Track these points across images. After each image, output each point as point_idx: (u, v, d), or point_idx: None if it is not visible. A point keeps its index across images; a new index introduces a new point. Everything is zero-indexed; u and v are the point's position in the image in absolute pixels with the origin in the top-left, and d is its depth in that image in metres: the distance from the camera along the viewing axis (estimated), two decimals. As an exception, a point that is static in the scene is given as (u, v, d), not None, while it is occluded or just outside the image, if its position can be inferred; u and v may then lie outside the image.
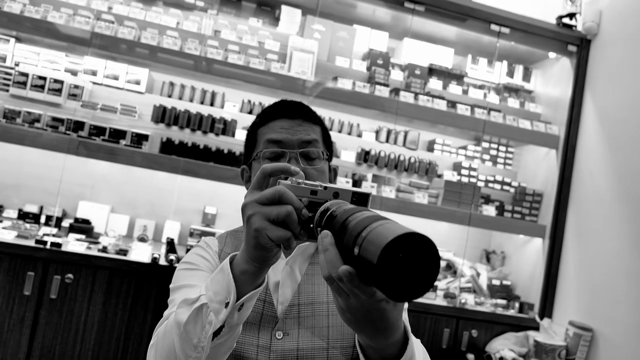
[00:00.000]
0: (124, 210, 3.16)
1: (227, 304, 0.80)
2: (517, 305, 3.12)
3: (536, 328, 3.02)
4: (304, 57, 3.09)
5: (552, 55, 3.42)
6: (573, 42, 3.23)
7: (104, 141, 2.83)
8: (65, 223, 2.93)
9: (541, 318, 3.07)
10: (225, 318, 0.81)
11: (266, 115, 1.22)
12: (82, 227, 2.89)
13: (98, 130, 2.89)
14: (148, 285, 2.64)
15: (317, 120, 1.24)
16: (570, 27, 3.24)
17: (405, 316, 1.15)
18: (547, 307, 3.11)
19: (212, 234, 3.08)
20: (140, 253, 2.77)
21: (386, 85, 3.12)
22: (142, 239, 3.03)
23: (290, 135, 1.16)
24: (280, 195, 0.72)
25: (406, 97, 3.09)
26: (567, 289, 3.05)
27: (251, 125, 1.26)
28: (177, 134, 3.03)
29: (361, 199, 0.71)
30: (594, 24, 3.16)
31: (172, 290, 1.14)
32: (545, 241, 3.20)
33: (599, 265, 2.84)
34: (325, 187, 0.72)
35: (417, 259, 0.50)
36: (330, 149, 1.26)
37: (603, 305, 2.77)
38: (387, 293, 0.51)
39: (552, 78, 3.45)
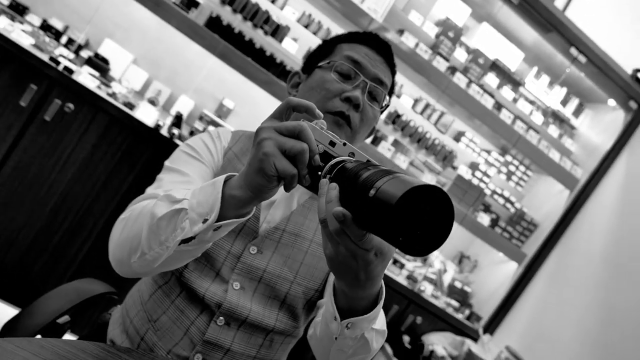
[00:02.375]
0: (145, 66, 3.05)
1: (205, 220, 0.77)
2: (467, 312, 3.20)
3: (475, 339, 3.12)
4: (381, -4, 2.93)
5: (611, 102, 3.34)
6: (637, 98, 3.15)
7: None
8: (85, 54, 2.81)
9: (483, 332, 3.16)
10: (198, 232, 0.78)
11: (355, 36, 1.17)
12: (100, 64, 2.78)
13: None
14: (143, 148, 2.59)
15: (394, 70, 1.20)
16: (641, 83, 3.15)
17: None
18: (493, 324, 3.20)
19: (219, 126, 3.01)
20: (146, 114, 2.69)
21: (447, 59, 3.01)
22: (152, 102, 2.94)
23: (370, 65, 1.11)
24: (300, 131, 0.69)
25: (460, 80, 2.99)
26: (518, 317, 3.13)
27: (332, 38, 1.20)
28: (228, 16, 2.89)
29: None
30: (664, 91, 3.08)
31: (165, 169, 1.09)
32: (520, 268, 3.24)
33: (557, 311, 2.91)
34: (345, 144, 0.70)
35: (432, 215, 0.50)
36: (388, 102, 1.21)
37: (542, 347, 2.85)
38: (395, 242, 0.50)
39: (601, 124, 3.38)
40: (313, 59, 1.20)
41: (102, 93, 2.60)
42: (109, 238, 0.97)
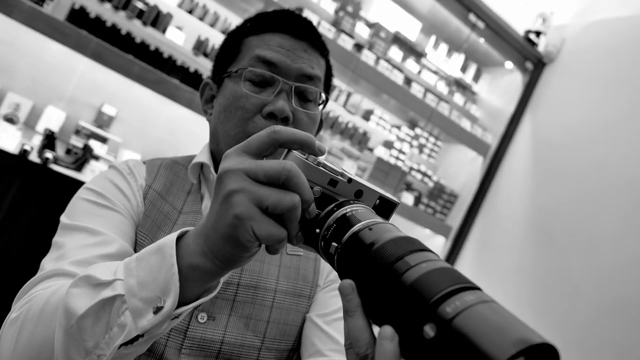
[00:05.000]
0: (-7, 76, 2.44)
1: (157, 309, 0.50)
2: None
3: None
4: (272, -29, 2.62)
5: (508, 65, 3.39)
6: (532, 59, 3.21)
7: (-7, -20, 2.10)
8: None
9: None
10: (149, 327, 0.51)
11: (262, 23, 0.88)
12: None
13: (-13, -37, 2.14)
14: (7, 182, 2.06)
15: (324, 52, 0.92)
16: (533, 44, 3.21)
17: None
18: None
19: (103, 139, 2.53)
20: (5, 138, 2.14)
21: (351, 36, 2.80)
22: (10, 120, 2.37)
23: (289, 60, 0.84)
24: (288, 178, 0.46)
25: (368, 57, 2.80)
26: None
27: (236, 29, 0.92)
28: (95, 6, 2.39)
29: (385, 208, 0.53)
30: (554, 50, 3.17)
31: (63, 229, 0.77)
32: (448, 242, 3.22)
33: (490, 278, 2.92)
34: (350, 180, 0.50)
35: None
36: (329, 93, 0.96)
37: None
38: None
39: (500, 87, 3.43)
40: (219, 64, 0.92)
41: (-60, 118, 2.01)
42: None
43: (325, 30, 2.68)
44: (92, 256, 0.70)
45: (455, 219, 3.25)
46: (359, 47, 2.82)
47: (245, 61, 0.85)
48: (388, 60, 2.97)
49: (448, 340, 0.33)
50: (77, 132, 2.51)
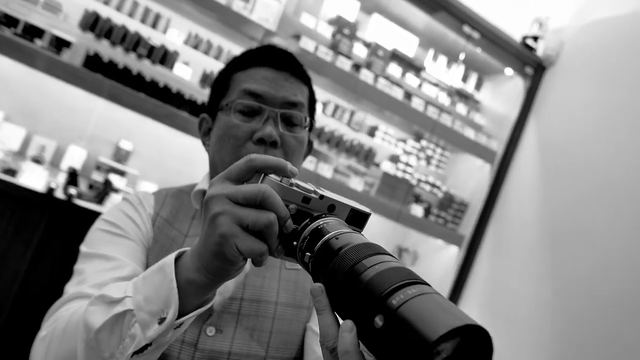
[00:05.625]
0: (20, 121, 2.65)
1: (161, 320, 0.60)
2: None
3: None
4: (270, 3, 2.78)
5: (508, 72, 3.45)
6: (531, 64, 3.27)
7: (15, 35, 2.32)
8: (-59, 121, 2.38)
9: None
10: (155, 336, 0.60)
11: (247, 59, 0.98)
12: (-37, 131, 2.37)
13: (9, 21, 2.35)
14: (37, 219, 2.23)
15: (306, 80, 1.02)
16: (531, 49, 3.27)
17: None
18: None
19: (122, 173, 2.70)
20: (33, 178, 2.33)
21: (349, 58, 2.92)
22: (37, 161, 2.56)
23: (273, 90, 0.94)
24: (263, 198, 0.53)
25: (367, 76, 2.92)
26: (471, 301, 3.14)
27: (225, 68, 1.02)
28: (108, 51, 2.58)
29: (357, 219, 0.58)
30: (553, 53, 3.22)
31: (83, 257, 0.88)
32: (461, 251, 3.26)
33: (506, 286, 2.94)
34: (322, 197, 0.56)
35: (468, 355, 0.38)
36: (313, 116, 1.05)
37: (502, 325, 2.87)
38: None
39: (502, 94, 3.48)
40: (212, 99, 1.03)
41: (-27, 164, 2.21)
42: None
43: (323, 54, 2.81)
44: (108, 279, 0.80)
45: (466, 227, 3.30)
46: (357, 67, 2.93)
47: (234, 95, 0.95)
48: (387, 77, 3.07)
49: (393, 327, 0.39)
50: (98, 167, 2.69)
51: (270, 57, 0.97)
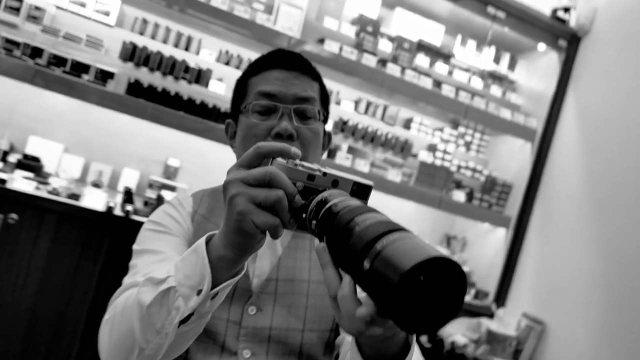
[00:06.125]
0: (78, 151, 2.92)
1: (199, 291, 0.70)
2: (472, 292, 3.15)
3: (490, 316, 3.07)
4: (292, 12, 2.90)
5: (541, 47, 3.38)
6: (564, 36, 3.20)
7: (65, 73, 2.57)
8: (13, 158, 2.66)
9: (497, 307, 3.12)
10: (195, 306, 0.71)
11: (259, 64, 1.08)
12: (31, 164, 2.64)
13: (58, 61, 2.61)
14: (100, 236, 2.46)
15: (316, 76, 1.11)
16: (563, 21, 3.20)
17: None
18: (502, 296, 3.16)
19: (172, 188, 2.90)
20: (94, 200, 2.56)
21: (374, 54, 2.99)
22: (96, 185, 2.82)
23: (284, 89, 1.03)
24: (271, 178, 0.62)
25: (393, 70, 2.97)
26: (524, 281, 3.10)
27: (242, 75, 1.12)
28: (147, 77, 2.80)
29: (361, 191, 0.64)
30: (587, 22, 3.13)
31: (135, 253, 1.01)
32: (509, 232, 3.23)
33: (557, 261, 2.89)
34: (325, 174, 0.63)
35: (442, 287, 0.43)
36: (327, 109, 1.13)
37: (557, 300, 2.82)
38: (399, 323, 0.43)
39: (538, 71, 3.42)
40: (234, 105, 1.14)
41: (43, 192, 2.46)
42: (99, 346, 0.88)
43: (348, 54, 2.90)
44: (157, 270, 0.92)
45: (512, 208, 3.26)
46: (383, 62, 2.99)
47: (251, 98, 1.06)
48: (415, 69, 3.11)
49: (377, 268, 0.44)
50: (150, 185, 2.91)
51: (279, 59, 1.07)
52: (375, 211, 0.53)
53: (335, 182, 0.63)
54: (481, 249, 3.44)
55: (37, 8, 2.65)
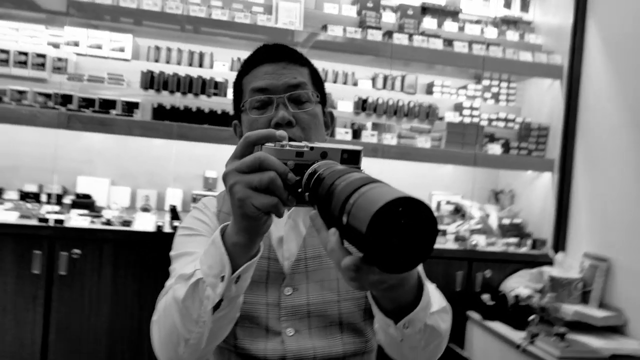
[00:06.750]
0: (124, 182, 3.12)
1: (223, 278, 0.77)
2: (529, 242, 3.08)
3: (550, 263, 2.99)
4: (290, 7, 2.97)
5: (550, -19, 3.26)
6: (572, -36, 3.07)
7: (94, 112, 2.77)
8: (67, 199, 2.90)
9: (555, 252, 3.03)
10: (222, 292, 0.78)
11: (249, 64, 1.13)
12: (84, 202, 2.86)
13: (87, 102, 2.82)
14: (155, 254, 2.63)
15: (303, 62, 1.15)
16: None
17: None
18: (560, 241, 3.06)
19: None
20: (145, 223, 2.74)
21: (378, 28, 3.00)
22: (145, 209, 3.00)
23: (274, 81, 1.08)
24: (261, 162, 0.66)
25: (400, 39, 2.97)
26: (580, 221, 3.00)
27: (236, 77, 1.18)
28: (168, 99, 2.95)
29: (352, 157, 0.66)
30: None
31: (173, 259, 1.10)
32: (554, 175, 3.13)
33: (610, 194, 2.77)
34: (312, 148, 0.66)
35: (411, 226, 0.45)
36: (322, 91, 1.18)
37: (617, 234, 2.71)
38: (378, 265, 0.46)
39: (552, 6, 3.30)
40: (235, 106, 1.21)
41: (98, 225, 2.67)
42: (153, 345, 0.98)
43: (352, 34, 2.93)
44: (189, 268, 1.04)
45: (553, 151, 3.15)
46: (390, 33, 3.00)
47: (247, 96, 1.12)
48: (422, 33, 3.09)
49: (351, 219, 0.47)
50: (194, 199, 3.07)
51: (265, 54, 1.13)
52: (357, 172, 0.56)
53: (324, 154, 0.66)
54: (530, 198, 3.35)
55: (59, 59, 2.87)
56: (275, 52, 1.12)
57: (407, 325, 0.75)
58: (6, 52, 2.81)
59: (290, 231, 1.12)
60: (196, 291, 0.82)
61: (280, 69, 1.10)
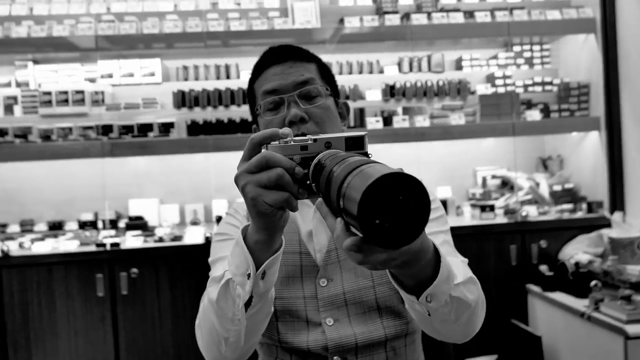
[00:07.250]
0: (171, 199, 3.25)
1: (249, 275, 0.81)
2: (584, 206, 2.95)
3: (608, 225, 2.84)
4: (305, 6, 2.99)
5: None
6: None
7: (134, 137, 2.90)
8: (121, 223, 3.06)
9: (612, 213, 2.88)
10: (251, 289, 0.82)
11: (257, 68, 1.18)
12: (137, 223, 3.01)
13: (126, 129, 2.97)
14: (206, 263, 2.70)
15: (309, 58, 1.18)
16: None
17: (446, 238, 1.11)
18: (617, 201, 2.91)
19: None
20: (194, 236, 2.85)
21: (395, 12, 2.97)
22: (194, 223, 3.11)
23: (283, 81, 1.12)
24: (267, 160, 0.68)
25: (418, 19, 2.93)
26: (635, 177, 2.83)
27: (248, 83, 1.22)
28: (201, 114, 3.05)
29: (356, 144, 0.67)
30: None
31: (211, 264, 1.15)
32: (602, 133, 2.97)
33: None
34: (315, 140, 0.67)
35: (402, 201, 0.45)
36: (332, 83, 1.20)
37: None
38: (376, 242, 0.47)
39: (575, -43, 3.14)
40: (251, 110, 1.25)
41: (151, 244, 2.79)
42: (199, 347, 1.04)
43: (369, 22, 2.91)
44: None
45: (598, 108, 3.00)
46: (407, 15, 2.96)
47: (259, 99, 1.17)
48: (441, 9, 3.03)
49: (346, 202, 0.48)
50: (239, 208, 3.14)
51: (271, 57, 1.17)
52: (356, 155, 0.57)
53: (328, 144, 0.67)
54: (580, 160, 3.20)
55: (97, 92, 3.04)
56: (280, 53, 1.16)
57: (430, 299, 0.75)
58: (49, 93, 3.00)
59: (318, 224, 1.14)
60: (227, 291, 0.86)
61: (287, 69, 1.13)
